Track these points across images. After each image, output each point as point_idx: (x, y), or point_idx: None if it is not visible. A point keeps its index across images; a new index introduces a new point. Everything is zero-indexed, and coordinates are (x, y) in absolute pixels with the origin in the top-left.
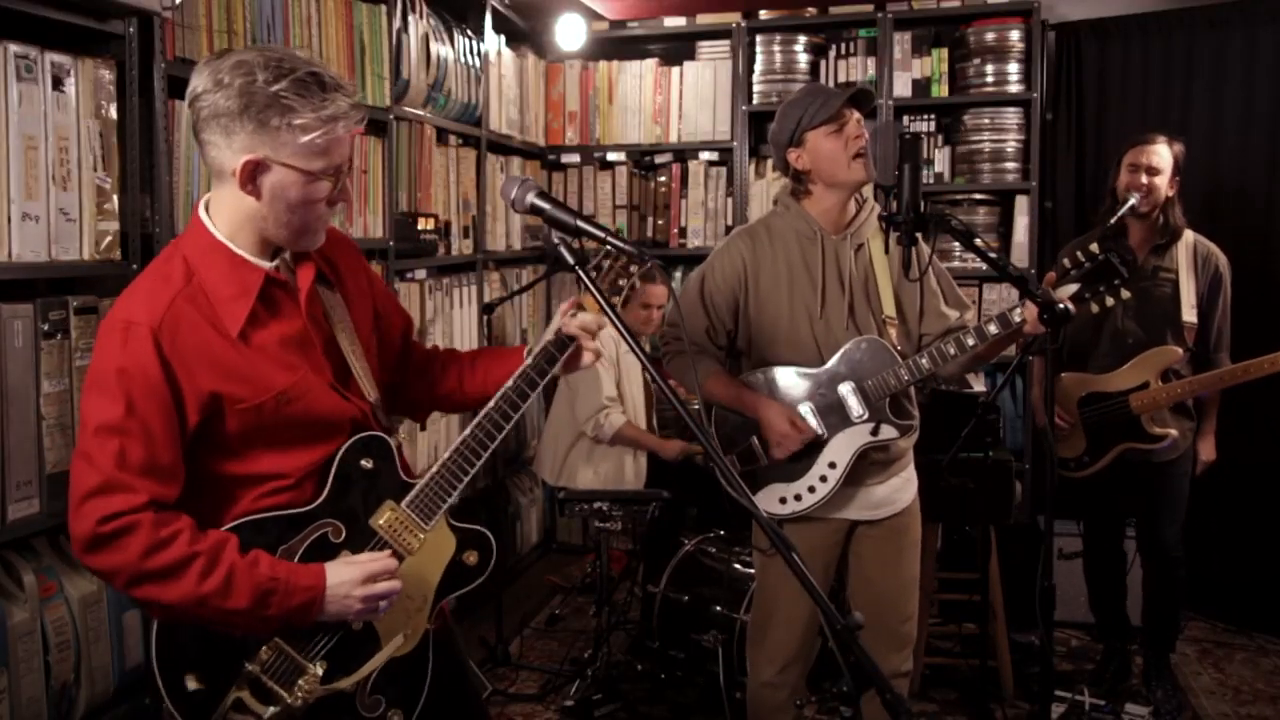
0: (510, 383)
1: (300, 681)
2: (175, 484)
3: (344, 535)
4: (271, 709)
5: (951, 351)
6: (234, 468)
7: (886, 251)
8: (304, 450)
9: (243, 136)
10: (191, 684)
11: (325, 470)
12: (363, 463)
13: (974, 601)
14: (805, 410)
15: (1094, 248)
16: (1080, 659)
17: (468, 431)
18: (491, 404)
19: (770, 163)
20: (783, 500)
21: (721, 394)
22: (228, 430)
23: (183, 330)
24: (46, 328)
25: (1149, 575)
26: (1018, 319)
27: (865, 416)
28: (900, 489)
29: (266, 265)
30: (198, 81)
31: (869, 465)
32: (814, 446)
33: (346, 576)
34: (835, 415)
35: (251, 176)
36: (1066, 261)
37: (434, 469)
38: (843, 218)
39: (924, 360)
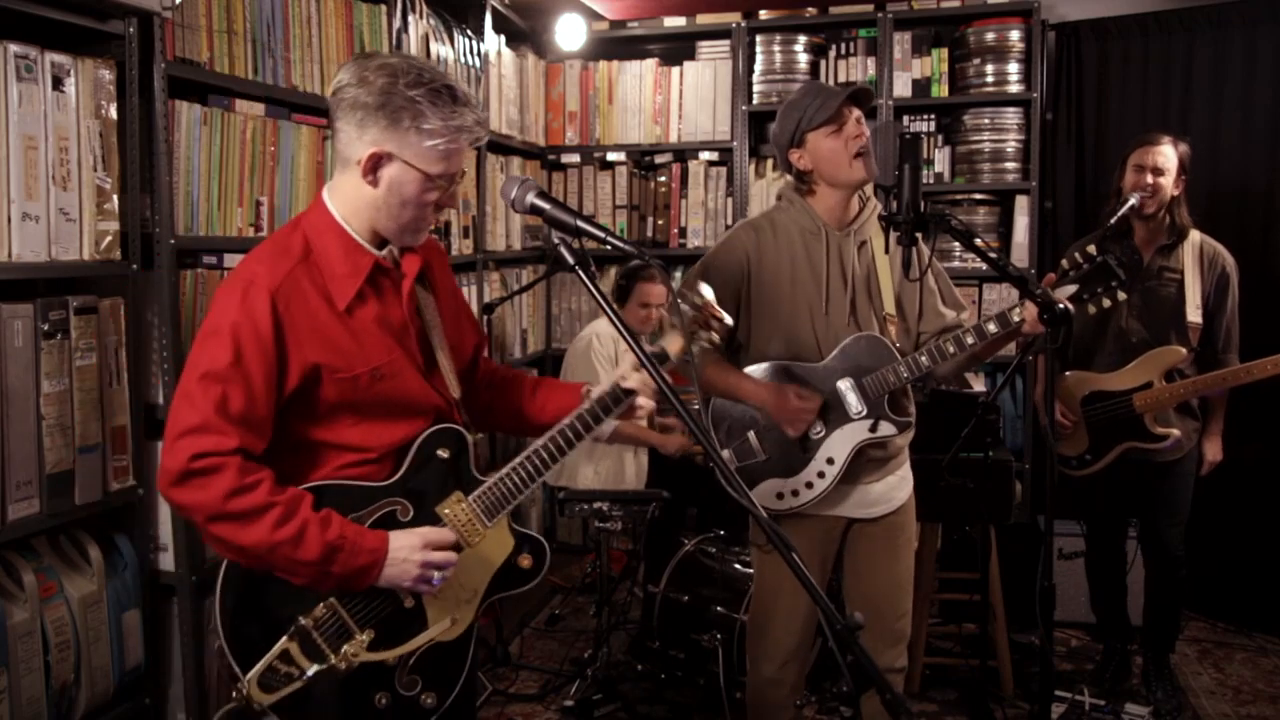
0: (566, 420)
1: (347, 645)
2: (263, 439)
3: (411, 515)
4: (316, 666)
5: (951, 350)
6: (321, 434)
7: (887, 250)
8: (388, 427)
9: (374, 131)
10: (247, 629)
11: (403, 453)
12: (439, 452)
13: (974, 601)
14: None
15: (1091, 249)
16: (1080, 659)
17: (539, 443)
18: (550, 434)
19: (771, 163)
20: (779, 496)
21: (720, 383)
22: (323, 398)
23: (297, 298)
24: (46, 328)
25: (1150, 575)
26: (1016, 318)
27: (864, 413)
28: (896, 487)
29: (377, 253)
30: (344, 75)
31: (865, 463)
32: (812, 442)
33: (407, 543)
34: (834, 411)
35: (374, 167)
36: (1065, 263)
37: (502, 471)
38: (846, 214)
39: (923, 358)
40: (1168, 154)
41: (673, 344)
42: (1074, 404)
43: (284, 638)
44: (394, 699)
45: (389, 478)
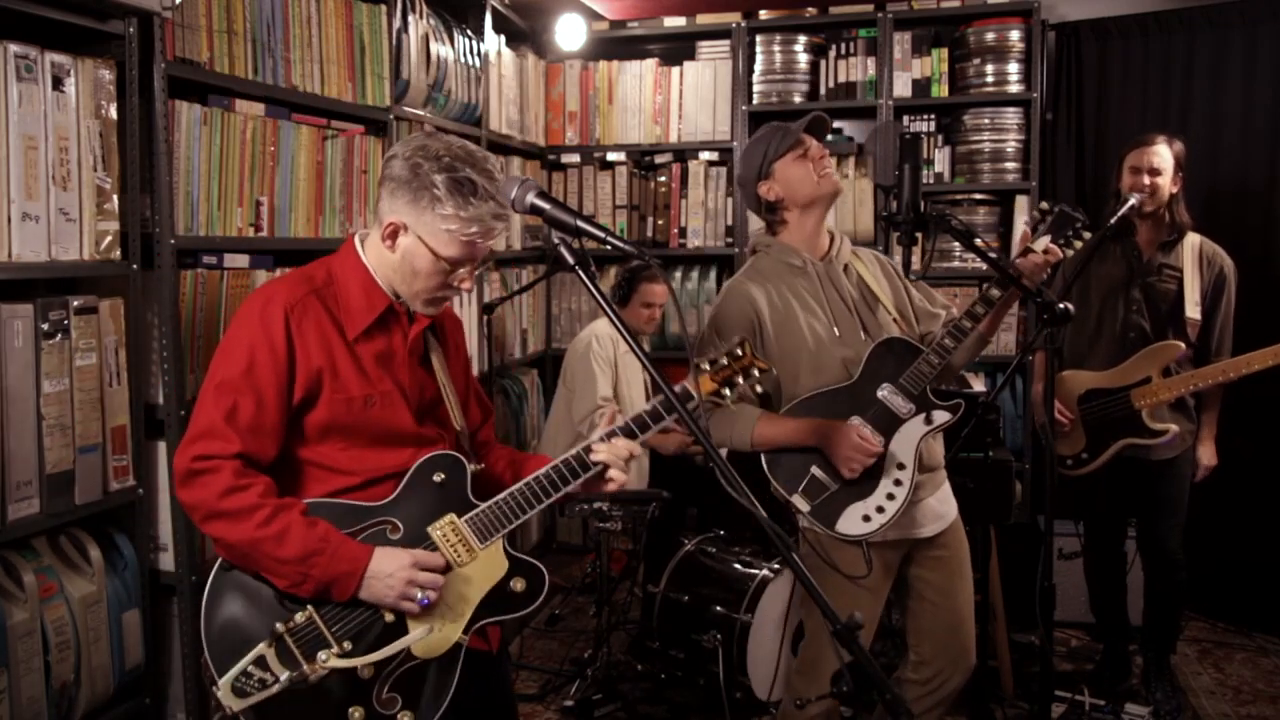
0: (543, 471)
1: (321, 654)
2: (272, 446)
3: (401, 534)
4: (289, 673)
5: (968, 324)
6: (309, 455)
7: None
8: (373, 454)
9: (399, 202)
10: (228, 635)
11: (398, 479)
12: (434, 477)
13: (974, 601)
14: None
15: (1044, 205)
16: (1080, 659)
17: (534, 476)
18: (537, 476)
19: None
20: (866, 518)
21: (774, 434)
22: (315, 420)
23: (309, 316)
24: (46, 328)
25: (1149, 577)
26: (1013, 272)
27: (913, 410)
28: (945, 500)
29: (394, 299)
30: (396, 147)
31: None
32: (878, 458)
33: (394, 560)
34: (886, 419)
35: (392, 235)
36: (1027, 224)
37: (499, 497)
38: (821, 243)
39: (946, 340)
40: (1163, 154)
41: (702, 384)
42: (1071, 402)
43: (261, 644)
44: (369, 715)
45: (383, 500)
